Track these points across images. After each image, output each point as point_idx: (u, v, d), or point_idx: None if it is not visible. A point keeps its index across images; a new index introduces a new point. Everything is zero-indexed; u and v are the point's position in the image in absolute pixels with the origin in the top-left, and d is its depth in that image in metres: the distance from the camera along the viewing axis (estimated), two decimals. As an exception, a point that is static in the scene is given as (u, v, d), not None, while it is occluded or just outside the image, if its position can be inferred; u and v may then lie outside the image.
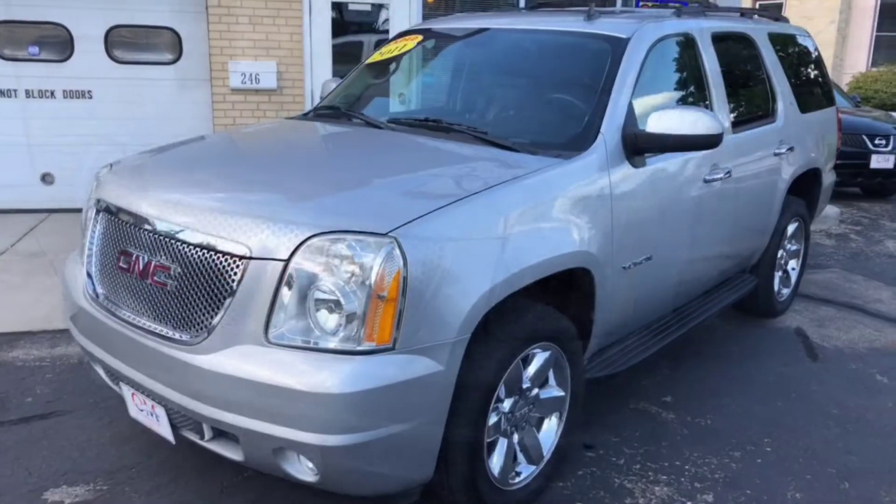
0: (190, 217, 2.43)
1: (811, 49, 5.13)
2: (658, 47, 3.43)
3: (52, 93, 7.04)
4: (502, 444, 2.70)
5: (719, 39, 3.98)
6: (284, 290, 2.23)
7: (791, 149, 4.45)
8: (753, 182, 4.07)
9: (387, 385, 2.19)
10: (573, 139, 2.99)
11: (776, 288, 4.82)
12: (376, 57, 4.00)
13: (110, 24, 7.03)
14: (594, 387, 3.77)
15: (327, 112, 3.70)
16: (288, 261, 2.22)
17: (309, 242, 2.22)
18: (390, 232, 2.21)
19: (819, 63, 5.19)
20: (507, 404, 2.67)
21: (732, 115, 3.92)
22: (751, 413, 3.66)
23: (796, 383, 4.00)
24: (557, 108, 3.27)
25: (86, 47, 7.01)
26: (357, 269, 2.19)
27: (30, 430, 3.27)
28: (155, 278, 2.47)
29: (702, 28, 3.83)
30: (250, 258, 2.26)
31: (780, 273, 4.89)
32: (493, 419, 2.59)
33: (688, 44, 3.71)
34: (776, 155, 4.30)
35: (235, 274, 2.27)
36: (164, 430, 2.55)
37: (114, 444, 3.16)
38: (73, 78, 7.07)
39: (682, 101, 3.62)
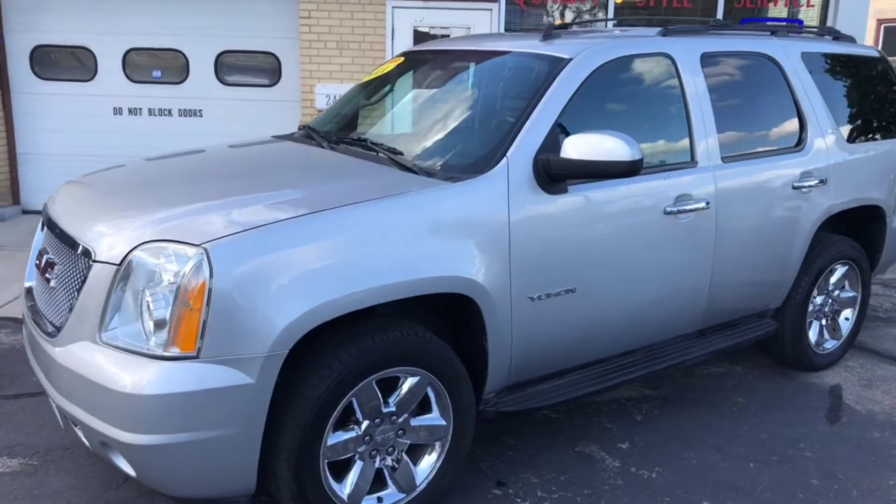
0: (73, 223, 2.68)
1: (880, 71, 4.52)
2: (609, 69, 3.22)
3: (170, 111, 7.87)
4: (358, 467, 2.67)
5: (716, 60, 3.65)
6: (116, 293, 2.38)
7: (823, 181, 3.96)
8: (754, 217, 3.67)
9: (187, 392, 2.27)
10: (476, 162, 2.91)
11: (813, 338, 4.28)
12: (366, 78, 4.11)
13: (220, 50, 7.73)
14: (545, 423, 3.62)
15: (302, 131, 3.86)
16: (120, 265, 2.38)
17: (139, 248, 2.37)
18: (203, 244, 2.30)
19: (891, 86, 4.55)
20: (363, 426, 2.64)
21: (725, 143, 3.57)
22: (711, 471, 3.29)
23: (789, 445, 3.53)
24: (480, 131, 3.18)
25: (199, 70, 7.77)
26: (171, 276, 2.31)
27: (14, 405, 3.71)
28: (46, 275, 2.74)
29: (689, 48, 3.54)
30: (95, 261, 2.44)
31: (821, 322, 4.33)
32: (338, 439, 2.58)
33: (663, 66, 3.44)
34: (797, 188, 3.84)
35: (84, 275, 2.47)
36: (57, 412, 2.80)
37: (66, 425, 3.49)
38: (188, 98, 7.85)
39: (646, 127, 3.37)
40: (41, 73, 7.83)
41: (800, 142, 3.94)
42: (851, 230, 4.48)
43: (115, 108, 7.88)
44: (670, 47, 3.48)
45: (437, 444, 2.84)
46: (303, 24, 7.33)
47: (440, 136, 3.20)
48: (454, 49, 3.78)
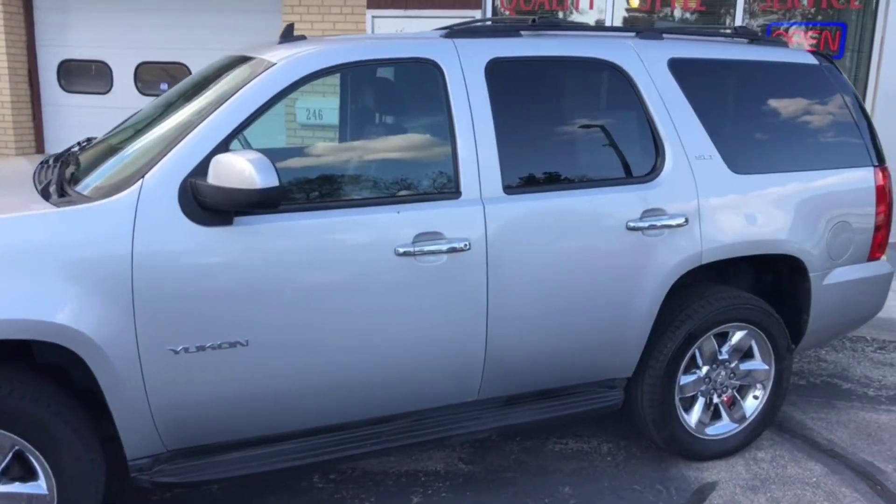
0: None
1: (815, 83, 3.52)
2: (326, 78, 2.66)
3: (176, 124, 7.97)
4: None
5: (518, 69, 2.94)
6: None
7: (685, 221, 3.09)
8: (554, 265, 2.90)
9: None
10: (109, 186, 2.47)
11: (691, 419, 3.37)
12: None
13: (220, 64, 7.73)
14: (303, 493, 3.07)
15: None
16: None
17: None
18: None
19: (832, 102, 3.53)
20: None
21: (514, 171, 2.87)
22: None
23: (570, 562, 2.75)
24: (148, 148, 2.69)
25: (200, 84, 7.82)
26: None
27: None
28: None
29: (470, 54, 2.87)
30: None
31: (709, 399, 3.41)
32: None
33: (423, 74, 2.81)
34: (635, 229, 3.02)
35: None
36: None
37: None
38: (191, 111, 7.91)
39: (380, 148, 2.76)
40: (67, 86, 8.23)
41: (652, 170, 3.11)
42: (778, 287, 3.56)
43: (127, 121, 8.09)
44: (438, 53, 2.83)
45: (42, 516, 2.42)
46: (286, 36, 7.13)
47: (121, 152, 2.76)
48: (235, 55, 3.33)
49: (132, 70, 7.99)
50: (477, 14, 6.65)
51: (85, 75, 8.18)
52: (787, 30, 6.19)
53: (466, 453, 3.48)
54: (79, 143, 3.43)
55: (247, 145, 3.05)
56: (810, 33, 6.12)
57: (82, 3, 7.94)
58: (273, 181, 2.27)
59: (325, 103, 7.10)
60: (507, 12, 6.70)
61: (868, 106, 6.07)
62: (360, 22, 6.88)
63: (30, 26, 8.07)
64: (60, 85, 8.23)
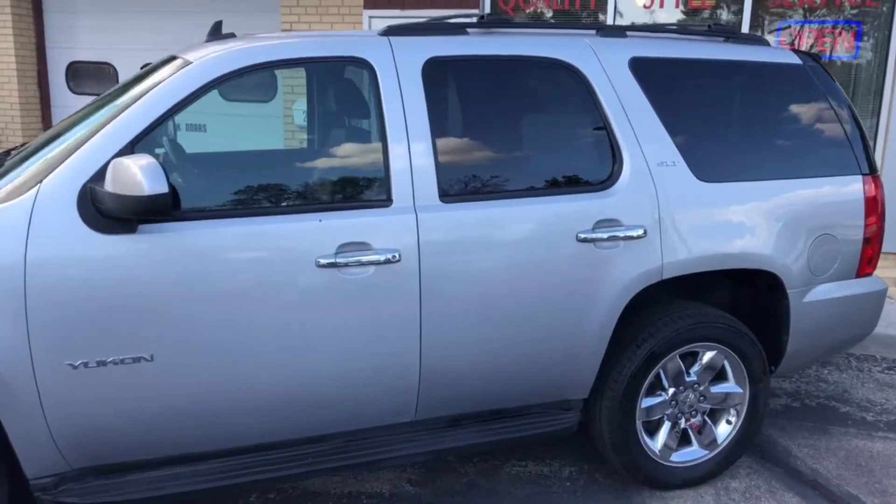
0: None
1: (799, 85, 3.25)
2: (243, 78, 2.52)
3: (179, 126, 7.94)
4: None
5: (459, 70, 2.76)
6: None
7: (642, 233, 2.87)
8: (497, 278, 2.70)
9: None
10: (16, 189, 2.35)
11: (655, 445, 3.14)
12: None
13: (222, 65, 7.68)
14: None
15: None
16: None
17: None
18: None
19: (818, 105, 3.26)
20: None
21: (453, 179, 2.68)
22: None
23: None
24: (60, 152, 2.57)
25: (204, 86, 7.78)
26: None
27: None
28: None
29: (406, 52, 2.70)
30: None
31: (676, 423, 3.18)
32: None
33: (354, 74, 2.65)
34: (587, 241, 2.81)
35: None
36: None
37: None
38: (195, 112, 7.87)
39: (299, 153, 2.60)
40: (75, 87, 8.27)
41: (607, 178, 2.89)
42: (758, 303, 3.32)
43: (132, 122, 8.10)
44: (370, 51, 2.66)
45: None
46: (285, 37, 7.04)
47: (34, 156, 2.65)
48: (168, 55, 3.22)
49: (136, 71, 8.00)
50: (475, 13, 6.45)
51: (92, 77, 8.21)
52: (791, 28, 5.87)
53: (417, 474, 3.30)
54: (22, 146, 3.34)
55: (177, 149, 2.93)
56: (823, 32, 5.80)
57: (90, 5, 7.97)
58: (161, 188, 2.13)
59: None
60: (507, 12, 6.50)
61: (885, 109, 5.72)
62: (358, 23, 6.76)
63: (39, 29, 8.13)
64: (69, 86, 8.27)
